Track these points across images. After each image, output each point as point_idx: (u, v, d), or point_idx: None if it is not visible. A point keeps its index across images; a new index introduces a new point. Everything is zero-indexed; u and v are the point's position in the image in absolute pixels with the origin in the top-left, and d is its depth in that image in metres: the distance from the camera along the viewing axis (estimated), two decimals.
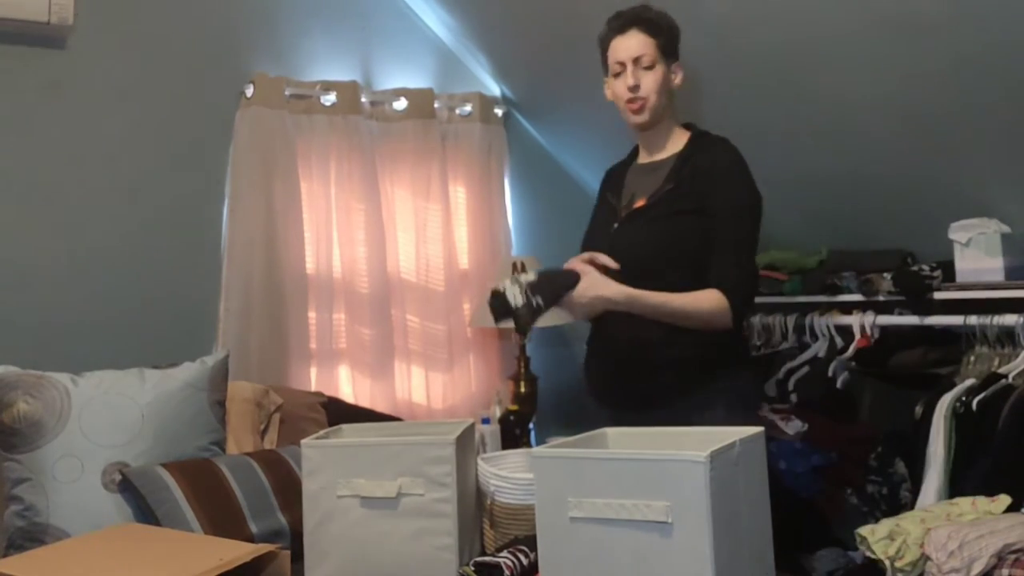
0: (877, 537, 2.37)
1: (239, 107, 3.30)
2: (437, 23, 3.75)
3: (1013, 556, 2.15)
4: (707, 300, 2.27)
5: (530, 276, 2.30)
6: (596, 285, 2.29)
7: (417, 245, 3.65)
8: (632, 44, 2.42)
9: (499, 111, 3.88)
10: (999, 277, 2.85)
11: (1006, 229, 2.88)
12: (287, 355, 3.29)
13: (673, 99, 2.48)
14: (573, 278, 2.31)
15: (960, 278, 2.94)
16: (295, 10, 3.47)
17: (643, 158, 2.52)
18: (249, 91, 3.30)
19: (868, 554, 2.39)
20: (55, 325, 2.95)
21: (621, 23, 2.45)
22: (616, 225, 2.43)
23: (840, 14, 2.63)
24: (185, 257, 3.21)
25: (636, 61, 2.41)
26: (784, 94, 3.01)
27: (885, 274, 3.12)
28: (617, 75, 2.45)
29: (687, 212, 2.32)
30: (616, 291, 2.28)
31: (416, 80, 3.70)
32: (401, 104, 3.62)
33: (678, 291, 2.28)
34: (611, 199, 2.52)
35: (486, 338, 3.82)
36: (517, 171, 3.95)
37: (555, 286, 2.30)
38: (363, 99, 3.52)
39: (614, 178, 2.58)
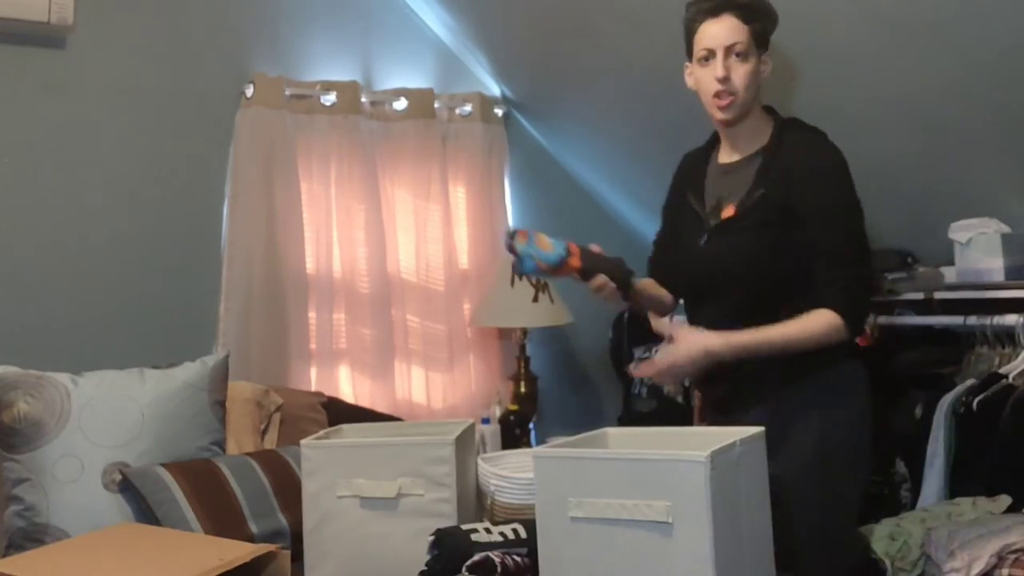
0: (877, 537, 2.37)
1: (239, 107, 3.30)
2: (437, 23, 3.75)
3: (1013, 556, 2.15)
4: (817, 324, 2.06)
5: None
6: (697, 340, 2.08)
7: (417, 245, 3.65)
8: (724, 30, 2.14)
9: (499, 111, 3.88)
10: (999, 277, 2.85)
11: (1006, 229, 2.87)
12: (287, 355, 3.29)
13: (759, 92, 2.23)
14: (620, 264, 2.16)
15: (960, 278, 2.94)
16: (295, 10, 3.46)
17: (725, 156, 2.28)
18: (249, 91, 3.30)
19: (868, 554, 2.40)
20: (55, 325, 2.95)
21: (713, 5, 2.16)
22: (704, 238, 2.22)
23: (843, 15, 2.63)
24: (185, 257, 3.21)
25: (728, 49, 2.14)
26: (784, 94, 3.01)
27: (885, 274, 3.12)
28: (703, 61, 2.18)
29: (783, 219, 2.12)
30: (719, 342, 2.07)
31: (416, 80, 3.70)
32: (401, 104, 3.62)
33: (778, 308, 2.09)
34: (693, 203, 2.28)
35: (486, 338, 3.81)
36: (517, 171, 3.94)
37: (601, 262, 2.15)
38: (363, 99, 3.51)
39: (693, 175, 2.33)
